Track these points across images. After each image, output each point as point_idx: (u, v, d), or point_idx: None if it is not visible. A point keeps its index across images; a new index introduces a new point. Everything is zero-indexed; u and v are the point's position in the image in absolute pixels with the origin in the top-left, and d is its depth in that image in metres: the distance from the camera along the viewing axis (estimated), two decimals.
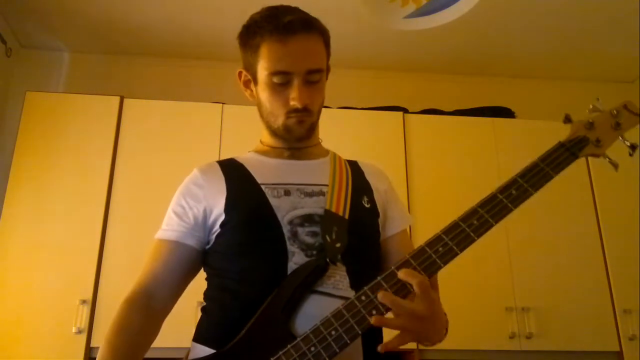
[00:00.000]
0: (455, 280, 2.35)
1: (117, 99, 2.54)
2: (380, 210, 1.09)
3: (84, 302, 2.20)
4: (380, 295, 0.83)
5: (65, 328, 2.15)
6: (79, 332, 2.15)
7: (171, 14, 2.69)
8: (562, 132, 1.02)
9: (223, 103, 2.59)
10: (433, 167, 2.62)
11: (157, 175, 2.38)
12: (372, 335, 0.88)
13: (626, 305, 2.44)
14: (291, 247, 0.95)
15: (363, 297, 0.85)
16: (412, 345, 2.23)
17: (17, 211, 2.32)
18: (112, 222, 2.34)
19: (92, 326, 2.17)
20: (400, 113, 2.71)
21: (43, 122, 2.45)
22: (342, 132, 2.52)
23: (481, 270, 2.43)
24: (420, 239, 0.89)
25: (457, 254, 0.88)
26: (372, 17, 2.67)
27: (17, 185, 2.35)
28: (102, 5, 2.62)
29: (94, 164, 2.42)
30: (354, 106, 2.80)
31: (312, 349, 0.83)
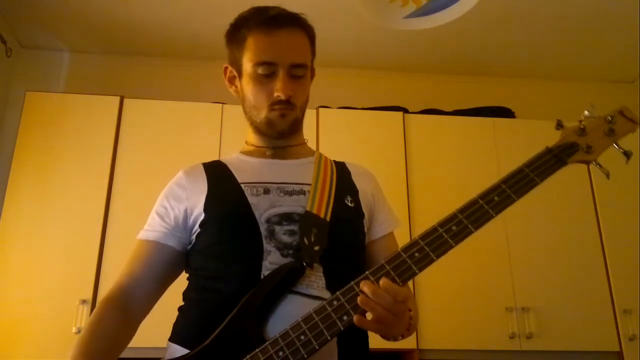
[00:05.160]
0: (455, 280, 2.36)
1: (117, 99, 2.54)
2: (365, 211, 1.07)
3: (84, 302, 2.20)
4: (362, 284, 0.81)
5: (65, 328, 2.15)
6: (79, 332, 2.14)
7: (171, 14, 2.69)
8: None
9: (223, 103, 2.59)
10: (433, 167, 2.61)
11: (157, 175, 2.35)
12: (348, 337, 0.87)
13: (626, 305, 2.44)
14: (267, 246, 0.94)
15: (334, 302, 0.83)
16: (412, 345, 2.23)
17: (17, 211, 2.32)
18: (112, 222, 2.34)
19: None
20: (400, 113, 2.71)
21: (43, 122, 2.45)
22: (342, 132, 2.51)
23: (481, 270, 2.43)
24: None
25: (433, 260, 0.84)
26: (372, 17, 2.67)
27: (17, 185, 2.35)
28: (102, 5, 2.62)
29: (94, 164, 2.42)
30: (354, 106, 2.79)
31: (280, 353, 0.81)
